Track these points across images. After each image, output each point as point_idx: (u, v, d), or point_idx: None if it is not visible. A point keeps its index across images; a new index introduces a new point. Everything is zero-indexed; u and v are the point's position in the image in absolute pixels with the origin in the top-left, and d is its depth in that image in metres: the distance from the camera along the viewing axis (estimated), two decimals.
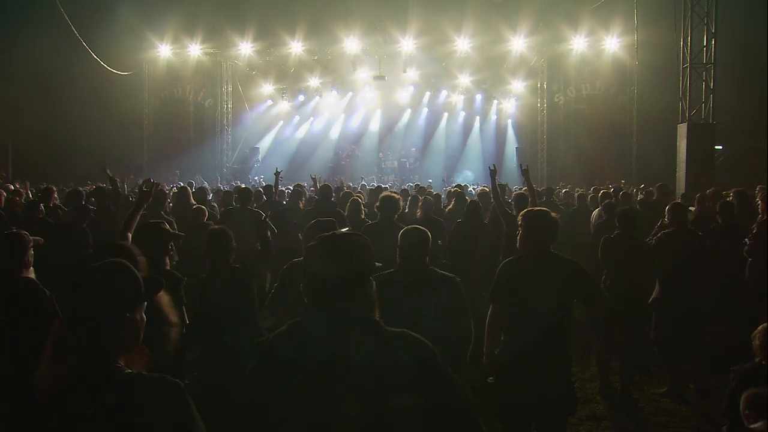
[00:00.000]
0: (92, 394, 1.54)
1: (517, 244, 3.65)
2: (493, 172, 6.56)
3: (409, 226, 3.60)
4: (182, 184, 11.33)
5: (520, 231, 3.61)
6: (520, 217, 3.65)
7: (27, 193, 9.94)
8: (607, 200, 7.78)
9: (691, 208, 7.14)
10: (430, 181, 16.92)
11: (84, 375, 1.57)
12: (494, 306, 3.65)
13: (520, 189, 10.43)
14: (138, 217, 4.11)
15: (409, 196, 9.15)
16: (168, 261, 3.77)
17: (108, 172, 7.52)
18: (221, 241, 3.93)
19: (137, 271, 1.73)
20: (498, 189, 6.56)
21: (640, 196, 9.38)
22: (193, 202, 8.09)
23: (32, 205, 7.20)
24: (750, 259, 5.71)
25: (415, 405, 1.60)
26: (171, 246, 3.78)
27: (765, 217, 5.88)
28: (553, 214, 3.62)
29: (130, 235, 3.93)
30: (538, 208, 3.86)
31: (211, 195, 10.88)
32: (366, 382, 1.58)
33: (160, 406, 1.55)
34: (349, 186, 12.71)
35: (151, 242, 3.68)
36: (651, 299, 5.38)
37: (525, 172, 6.78)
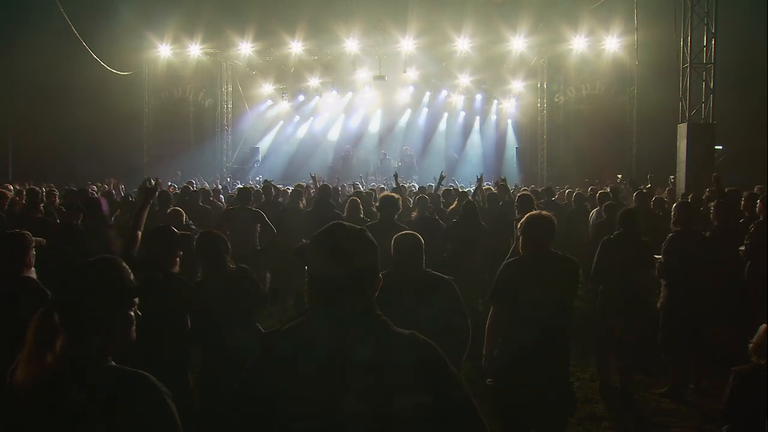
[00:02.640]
0: (73, 387, 1.55)
1: (519, 248, 3.68)
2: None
3: (402, 233, 3.59)
4: (173, 185, 11.31)
5: (520, 235, 3.64)
6: (519, 223, 3.68)
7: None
8: (609, 201, 7.77)
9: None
10: (431, 184, 16.89)
11: (66, 368, 1.58)
12: (495, 308, 3.65)
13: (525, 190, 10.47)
14: (145, 215, 4.06)
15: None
16: (177, 264, 3.79)
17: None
18: (213, 244, 3.94)
19: (128, 269, 1.74)
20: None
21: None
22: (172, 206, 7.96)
23: (32, 205, 7.19)
24: (749, 261, 5.70)
25: (419, 407, 1.57)
26: (178, 249, 3.79)
27: (763, 218, 5.87)
28: (548, 214, 3.65)
29: (139, 233, 3.90)
30: (536, 211, 3.89)
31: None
32: (367, 383, 1.56)
33: (140, 401, 1.57)
34: (344, 186, 12.68)
35: (159, 246, 3.70)
36: (660, 302, 5.39)
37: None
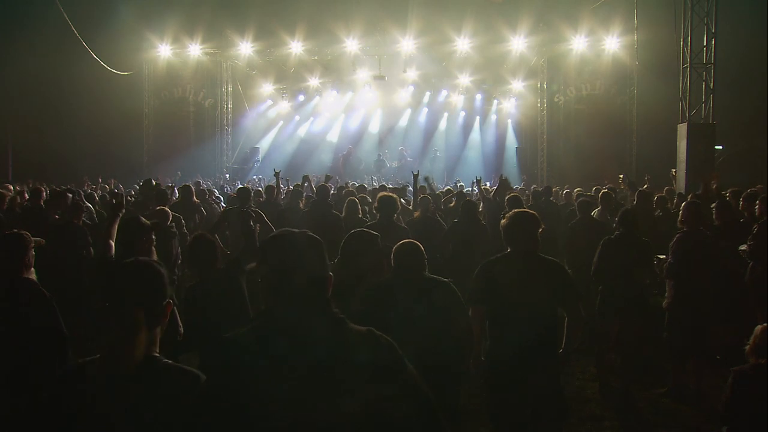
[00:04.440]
0: (138, 379, 1.68)
1: (507, 246, 3.61)
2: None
3: (402, 242, 3.56)
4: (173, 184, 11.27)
5: (502, 233, 3.58)
6: (503, 221, 3.62)
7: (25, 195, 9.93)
8: (582, 199, 7.83)
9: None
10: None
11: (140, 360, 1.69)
12: (474, 309, 3.59)
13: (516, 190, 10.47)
14: (115, 227, 4.09)
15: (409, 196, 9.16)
16: (155, 254, 3.80)
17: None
18: (205, 247, 3.94)
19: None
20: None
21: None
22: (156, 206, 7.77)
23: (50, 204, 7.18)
24: (750, 262, 5.69)
25: (380, 404, 1.60)
26: (152, 238, 3.80)
27: (766, 219, 5.87)
28: (532, 213, 3.61)
29: (112, 243, 3.94)
30: (519, 209, 3.83)
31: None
32: (330, 380, 1.58)
33: (188, 394, 1.67)
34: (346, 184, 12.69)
35: (131, 236, 3.75)
36: (666, 303, 5.37)
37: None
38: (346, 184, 12.73)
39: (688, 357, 5.38)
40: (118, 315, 1.72)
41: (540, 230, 3.56)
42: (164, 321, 1.82)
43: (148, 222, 3.95)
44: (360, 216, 6.65)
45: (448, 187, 12.31)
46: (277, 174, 9.08)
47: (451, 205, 8.28)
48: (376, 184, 14.60)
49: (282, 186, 9.70)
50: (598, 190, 10.46)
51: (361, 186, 11.29)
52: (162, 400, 1.67)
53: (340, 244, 3.49)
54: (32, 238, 3.30)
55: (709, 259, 5.23)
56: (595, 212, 8.28)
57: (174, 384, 1.71)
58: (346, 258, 3.45)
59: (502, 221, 3.63)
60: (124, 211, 4.38)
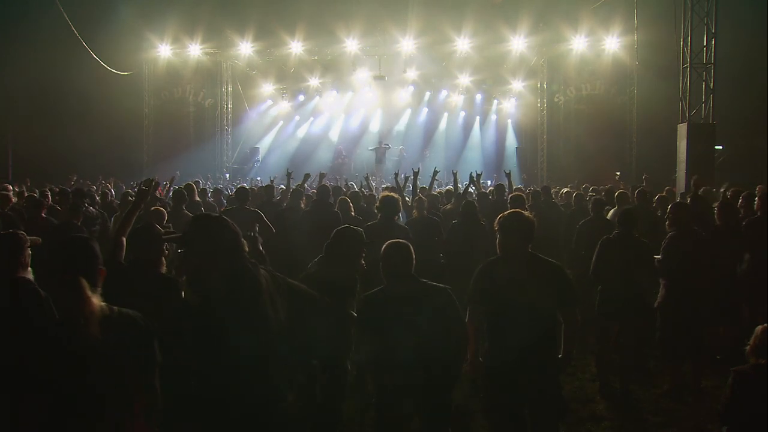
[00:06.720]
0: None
1: (497, 248, 3.57)
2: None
3: (389, 243, 3.49)
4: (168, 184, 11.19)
5: (497, 234, 3.54)
6: (496, 222, 3.57)
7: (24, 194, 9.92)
8: (596, 197, 7.77)
9: None
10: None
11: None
12: (472, 309, 3.57)
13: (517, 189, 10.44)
14: (134, 219, 3.82)
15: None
16: (164, 264, 3.65)
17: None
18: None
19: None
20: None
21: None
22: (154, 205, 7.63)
23: (36, 205, 7.15)
24: (747, 256, 5.70)
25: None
26: (165, 247, 3.66)
27: (762, 214, 5.87)
28: (527, 214, 3.58)
29: (124, 240, 3.69)
30: (513, 210, 3.79)
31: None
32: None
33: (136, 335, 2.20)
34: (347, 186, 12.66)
35: (143, 246, 3.56)
36: (657, 302, 5.36)
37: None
38: (345, 183, 12.71)
39: (684, 357, 5.37)
40: (68, 283, 2.11)
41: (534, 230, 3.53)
42: (101, 281, 2.26)
43: (162, 231, 3.69)
44: (353, 214, 6.63)
45: (449, 187, 12.23)
46: (289, 174, 9.23)
47: (450, 206, 8.25)
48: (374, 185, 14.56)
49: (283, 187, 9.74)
50: (596, 190, 10.43)
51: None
52: (126, 337, 2.15)
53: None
54: (28, 237, 3.28)
55: (702, 258, 5.21)
56: (611, 212, 8.22)
57: (132, 323, 2.20)
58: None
59: (495, 222, 3.59)
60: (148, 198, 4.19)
